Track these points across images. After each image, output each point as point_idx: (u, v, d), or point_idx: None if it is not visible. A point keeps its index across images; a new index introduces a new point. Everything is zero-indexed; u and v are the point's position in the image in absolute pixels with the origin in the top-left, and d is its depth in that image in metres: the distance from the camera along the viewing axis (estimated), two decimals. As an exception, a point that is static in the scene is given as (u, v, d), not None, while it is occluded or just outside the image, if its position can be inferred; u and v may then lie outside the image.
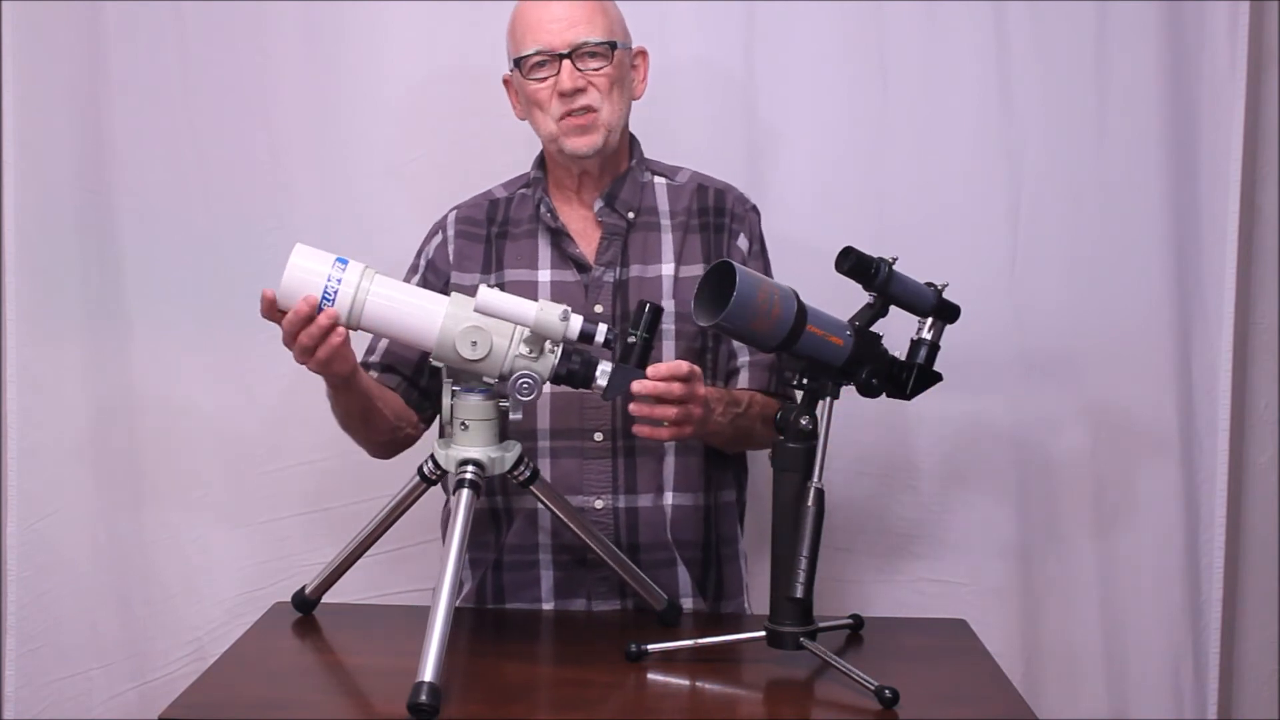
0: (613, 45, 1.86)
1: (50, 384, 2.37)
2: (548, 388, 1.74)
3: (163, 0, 2.31)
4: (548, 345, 1.64)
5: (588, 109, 1.86)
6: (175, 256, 2.36)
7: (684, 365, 1.67)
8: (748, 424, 1.86)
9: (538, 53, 1.85)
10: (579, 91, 1.85)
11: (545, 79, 1.86)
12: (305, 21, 2.33)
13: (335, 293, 1.63)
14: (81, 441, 2.38)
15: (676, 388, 1.66)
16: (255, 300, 2.31)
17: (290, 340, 1.66)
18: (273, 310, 1.66)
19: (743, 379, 1.93)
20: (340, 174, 2.35)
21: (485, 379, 1.67)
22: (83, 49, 2.33)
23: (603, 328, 1.62)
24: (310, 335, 1.64)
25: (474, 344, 1.62)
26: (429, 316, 1.64)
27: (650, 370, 1.65)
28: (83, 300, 2.37)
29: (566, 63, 1.84)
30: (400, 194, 2.33)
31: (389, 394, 1.91)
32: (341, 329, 1.65)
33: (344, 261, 1.64)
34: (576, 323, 1.61)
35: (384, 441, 1.93)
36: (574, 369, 1.65)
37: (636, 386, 1.64)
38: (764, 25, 2.30)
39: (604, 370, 1.65)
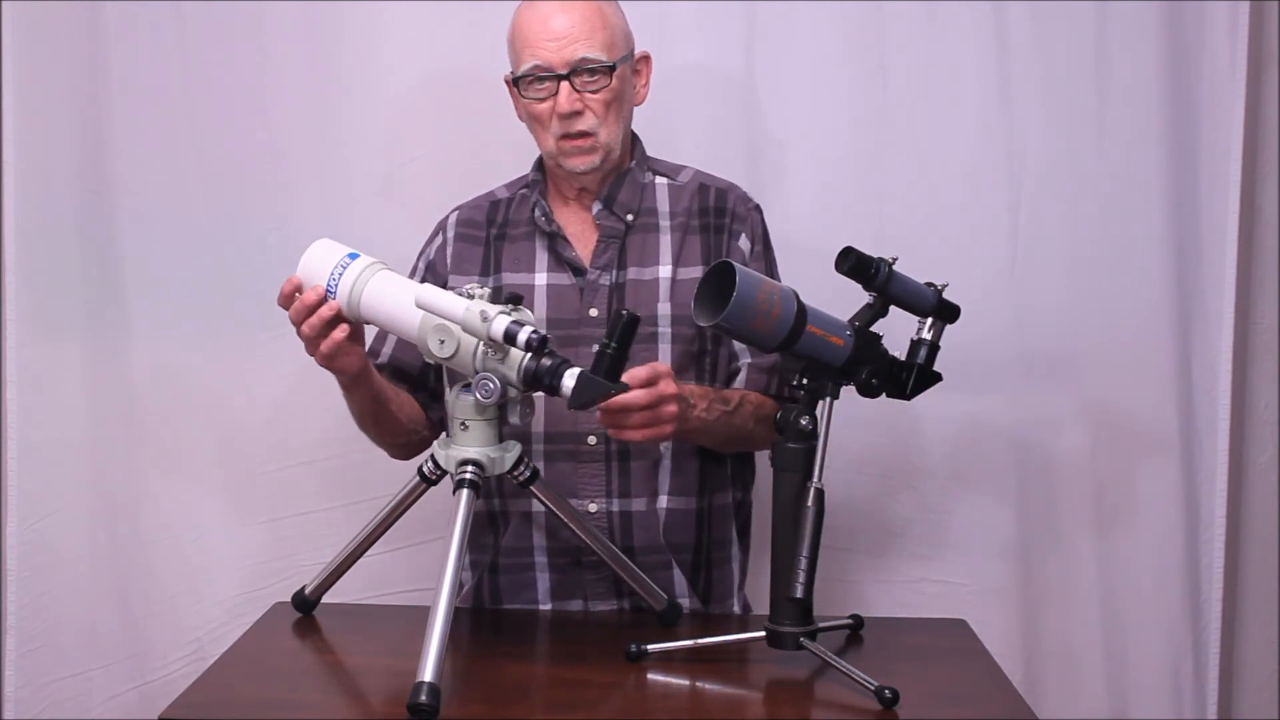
0: (612, 67, 1.84)
1: (50, 384, 2.37)
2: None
3: (163, 0, 2.32)
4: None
5: (585, 134, 1.85)
6: (175, 256, 2.36)
7: (641, 372, 1.66)
8: (740, 422, 1.85)
9: (535, 67, 1.84)
10: (577, 115, 1.84)
11: (544, 98, 1.85)
12: (305, 21, 2.33)
13: (337, 284, 1.64)
14: (81, 441, 2.38)
15: (641, 396, 1.65)
16: (255, 300, 2.32)
17: (297, 330, 1.68)
18: (289, 301, 1.67)
19: (740, 380, 1.92)
20: (340, 174, 2.35)
21: None
22: (83, 49, 2.33)
23: (527, 329, 1.54)
24: (312, 325, 1.65)
25: (441, 342, 1.61)
26: (410, 313, 1.63)
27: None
28: (83, 300, 2.37)
29: (565, 84, 1.83)
30: (400, 194, 2.33)
31: (404, 396, 1.91)
32: (345, 325, 1.65)
33: (354, 256, 1.66)
34: (500, 324, 1.55)
35: (400, 444, 1.94)
36: (539, 373, 1.58)
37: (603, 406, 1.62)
38: (764, 26, 2.30)
39: (573, 375, 1.56)
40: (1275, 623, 2.42)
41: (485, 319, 1.56)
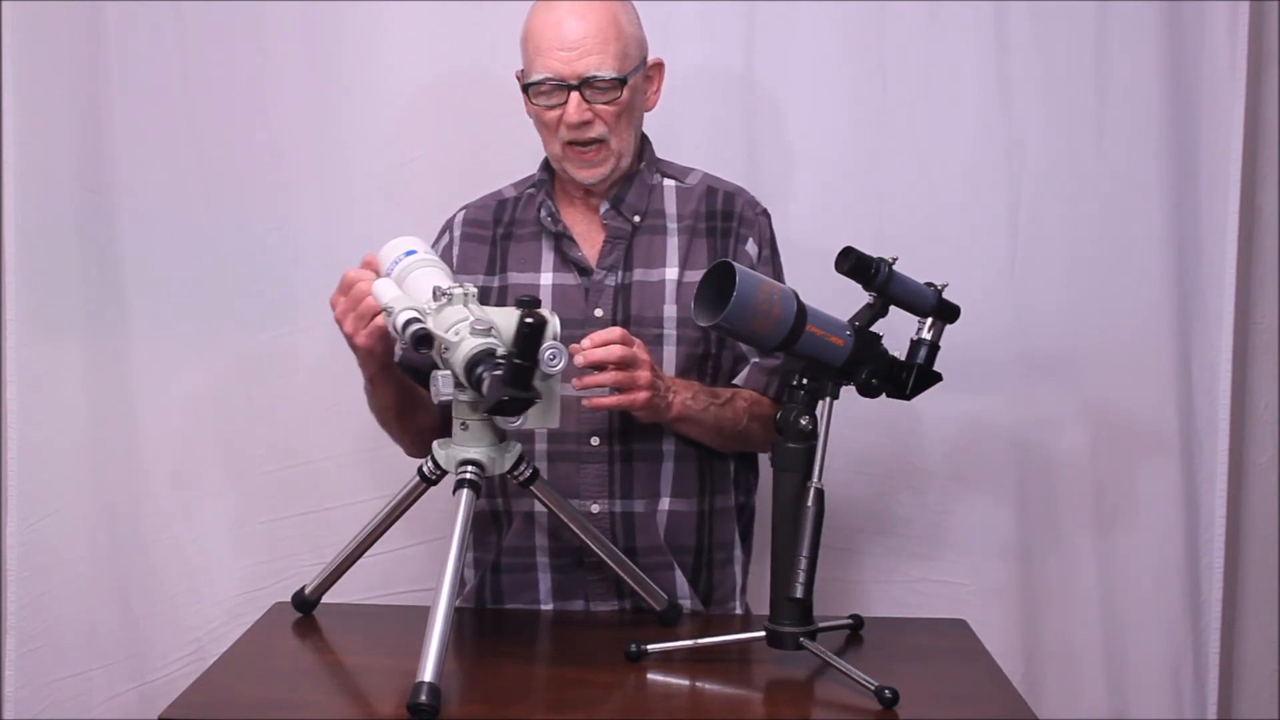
0: (623, 81, 1.83)
1: (50, 384, 2.37)
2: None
3: (163, 0, 2.32)
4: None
5: (595, 142, 1.85)
6: (175, 256, 2.36)
7: (613, 333, 1.70)
8: (732, 416, 1.85)
9: (546, 80, 1.83)
10: (586, 124, 1.84)
11: (553, 106, 1.84)
12: (305, 21, 2.33)
13: (394, 268, 1.68)
14: (81, 441, 2.38)
15: (615, 349, 1.68)
16: (255, 300, 2.34)
17: (342, 294, 1.69)
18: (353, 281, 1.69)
19: (740, 377, 1.92)
20: (340, 174, 2.35)
21: None
22: (83, 49, 2.33)
23: (415, 325, 1.53)
24: (370, 305, 1.65)
25: None
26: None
27: (585, 340, 1.68)
28: (83, 300, 2.37)
29: (575, 95, 1.82)
30: (400, 194, 2.33)
31: (421, 390, 1.91)
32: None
33: (410, 253, 1.69)
34: (401, 317, 1.56)
35: (422, 441, 1.93)
36: (472, 373, 1.52)
37: (578, 360, 1.66)
38: (764, 26, 2.30)
39: (491, 378, 1.50)
40: (1275, 623, 2.42)
41: (389, 313, 1.57)
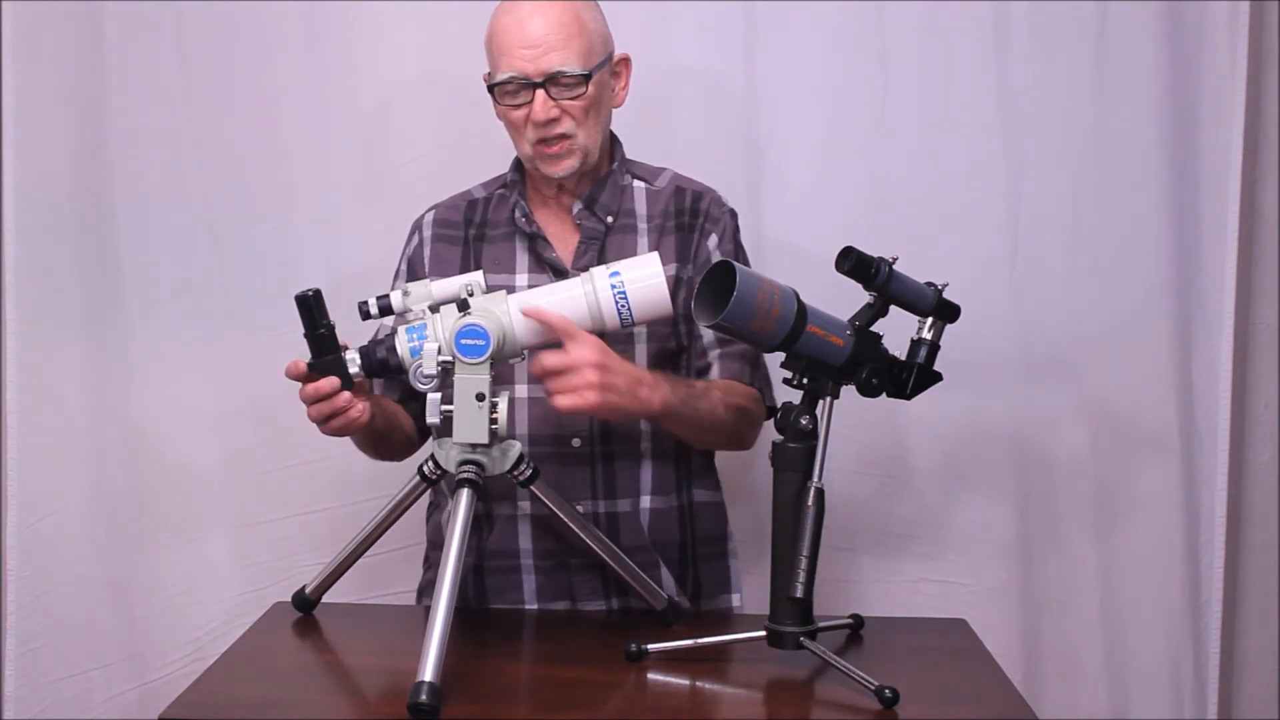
0: (588, 76, 1.83)
1: (50, 384, 2.37)
2: (524, 390, 1.82)
3: (163, 0, 2.32)
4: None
5: (562, 137, 1.85)
6: (175, 256, 2.36)
7: (564, 341, 1.66)
8: (709, 408, 1.83)
9: (511, 79, 1.83)
10: (553, 121, 1.84)
11: (520, 105, 1.84)
12: (305, 21, 2.33)
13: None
14: (81, 441, 2.38)
15: (552, 361, 1.65)
16: (255, 300, 2.34)
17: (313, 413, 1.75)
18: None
19: (714, 372, 1.91)
20: (340, 174, 2.35)
21: None
22: (82, 49, 2.33)
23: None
24: (320, 410, 1.72)
25: None
26: None
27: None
28: (83, 300, 2.37)
29: (540, 93, 1.82)
30: (400, 194, 2.32)
31: (398, 419, 1.91)
32: (361, 407, 1.71)
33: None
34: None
35: (396, 458, 1.98)
36: None
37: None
38: (763, 25, 2.30)
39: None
40: (1275, 623, 2.42)
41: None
